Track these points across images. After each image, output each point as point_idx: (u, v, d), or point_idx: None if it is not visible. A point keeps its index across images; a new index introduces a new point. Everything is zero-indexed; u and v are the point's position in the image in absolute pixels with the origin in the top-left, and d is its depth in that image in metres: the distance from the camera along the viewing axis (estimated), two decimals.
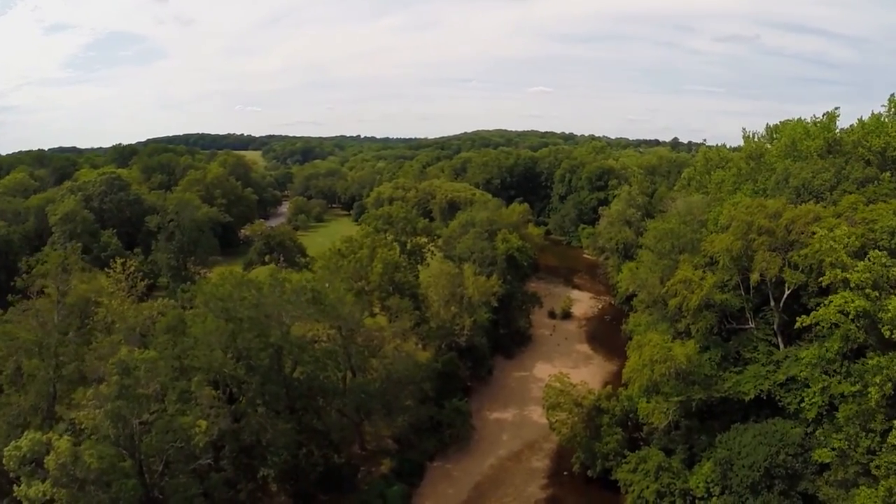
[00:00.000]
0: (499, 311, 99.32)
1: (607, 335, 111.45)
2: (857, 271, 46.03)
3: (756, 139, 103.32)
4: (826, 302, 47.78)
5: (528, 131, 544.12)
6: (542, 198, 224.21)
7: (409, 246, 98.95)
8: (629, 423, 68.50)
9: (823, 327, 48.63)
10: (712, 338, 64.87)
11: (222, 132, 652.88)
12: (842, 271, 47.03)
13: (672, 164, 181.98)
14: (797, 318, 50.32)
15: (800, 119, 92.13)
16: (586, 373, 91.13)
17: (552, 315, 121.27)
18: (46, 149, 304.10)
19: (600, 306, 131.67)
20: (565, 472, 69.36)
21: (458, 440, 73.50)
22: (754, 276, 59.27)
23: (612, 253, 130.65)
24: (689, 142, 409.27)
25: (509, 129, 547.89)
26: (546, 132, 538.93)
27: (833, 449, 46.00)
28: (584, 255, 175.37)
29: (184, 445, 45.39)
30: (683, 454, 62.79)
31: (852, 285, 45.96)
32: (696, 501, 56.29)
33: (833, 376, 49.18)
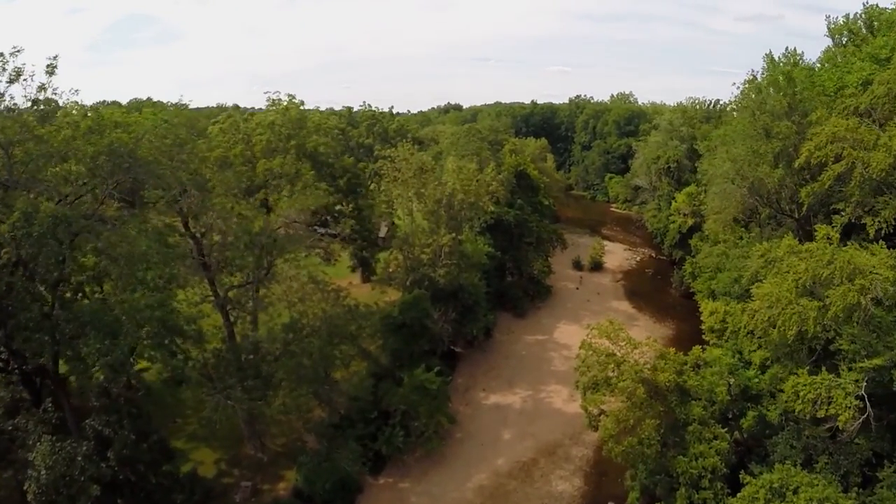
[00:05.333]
0: (506, 249, 68.72)
1: (652, 292, 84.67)
2: None
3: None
4: None
5: (547, 104, 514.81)
6: (561, 151, 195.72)
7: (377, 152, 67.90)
8: (730, 417, 37.81)
9: None
10: None
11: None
12: None
13: (710, 110, 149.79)
14: None
15: None
16: None
17: (578, 266, 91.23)
18: None
19: (638, 259, 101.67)
20: (610, 503, 39.02)
21: (424, 440, 42.51)
22: None
23: (661, 176, 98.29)
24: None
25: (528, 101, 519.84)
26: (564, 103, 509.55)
27: None
28: (612, 209, 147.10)
29: None
30: (838, 475, 32.43)
31: None
32: None
33: None
